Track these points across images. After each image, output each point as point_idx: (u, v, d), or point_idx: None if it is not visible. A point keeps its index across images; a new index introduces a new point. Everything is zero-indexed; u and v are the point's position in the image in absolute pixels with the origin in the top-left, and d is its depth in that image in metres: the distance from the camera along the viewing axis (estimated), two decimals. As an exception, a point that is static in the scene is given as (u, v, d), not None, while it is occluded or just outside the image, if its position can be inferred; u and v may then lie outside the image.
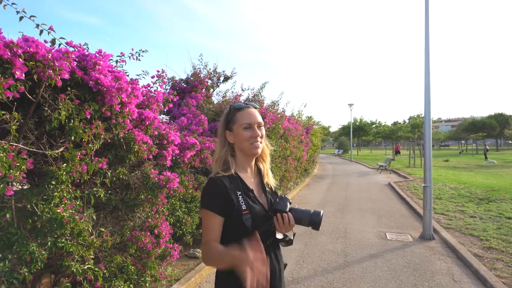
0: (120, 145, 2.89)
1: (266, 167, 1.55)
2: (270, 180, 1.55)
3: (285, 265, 1.51)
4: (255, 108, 1.48)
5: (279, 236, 1.41)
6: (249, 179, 1.46)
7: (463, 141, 64.86)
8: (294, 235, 1.48)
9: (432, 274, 4.15)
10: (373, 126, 43.35)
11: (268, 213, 1.41)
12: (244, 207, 1.34)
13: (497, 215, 6.93)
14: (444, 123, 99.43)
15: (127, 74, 2.98)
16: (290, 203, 1.39)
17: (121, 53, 3.06)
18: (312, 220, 1.35)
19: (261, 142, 1.44)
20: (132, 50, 3.09)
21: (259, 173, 1.54)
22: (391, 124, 40.85)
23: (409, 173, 15.84)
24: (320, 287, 3.85)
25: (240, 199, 1.35)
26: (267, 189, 1.51)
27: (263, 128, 1.45)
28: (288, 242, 1.46)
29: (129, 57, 3.09)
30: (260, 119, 1.45)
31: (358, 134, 43.85)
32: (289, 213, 1.35)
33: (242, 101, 7.51)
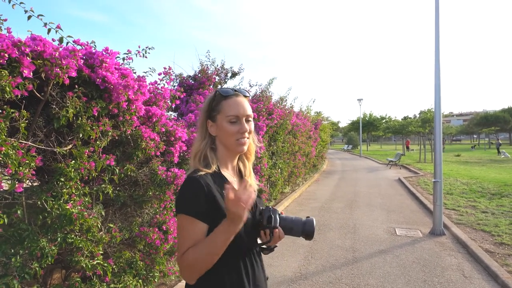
0: (128, 142, 2.92)
1: (248, 166, 1.33)
2: (252, 181, 1.32)
3: (267, 278, 1.31)
4: (245, 96, 1.24)
5: (260, 241, 1.25)
6: (231, 178, 1.25)
7: (475, 136, 63.72)
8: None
9: (442, 270, 4.11)
10: (383, 121, 42.77)
11: (254, 218, 1.20)
12: None
13: (510, 210, 6.82)
14: (456, 117, 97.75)
15: (134, 71, 2.99)
16: (279, 214, 1.23)
17: (128, 50, 3.09)
18: (305, 230, 1.20)
19: (248, 138, 1.22)
20: (139, 47, 3.11)
21: (239, 173, 1.32)
22: (401, 119, 40.25)
23: (420, 168, 15.67)
24: (329, 282, 3.84)
25: None
26: None
27: (252, 122, 1.23)
28: (271, 250, 1.29)
29: (136, 54, 3.11)
30: (249, 111, 1.21)
31: (368, 129, 43.38)
32: (279, 227, 1.19)
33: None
